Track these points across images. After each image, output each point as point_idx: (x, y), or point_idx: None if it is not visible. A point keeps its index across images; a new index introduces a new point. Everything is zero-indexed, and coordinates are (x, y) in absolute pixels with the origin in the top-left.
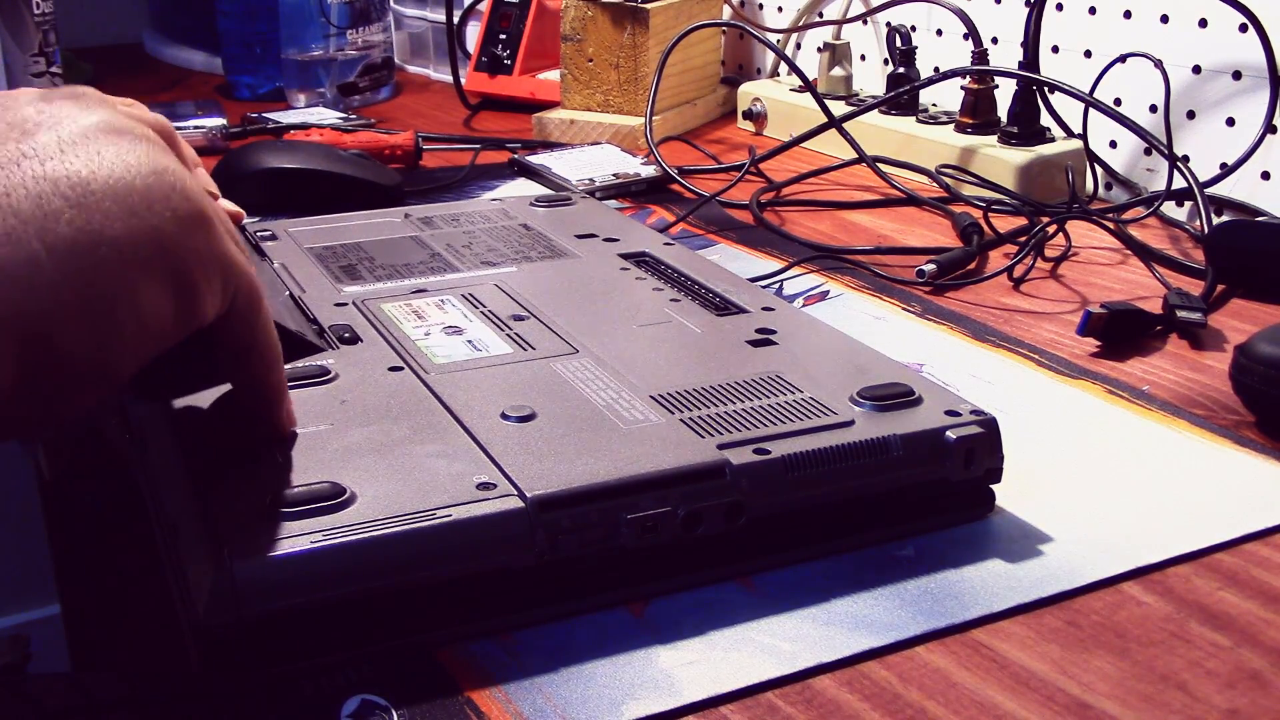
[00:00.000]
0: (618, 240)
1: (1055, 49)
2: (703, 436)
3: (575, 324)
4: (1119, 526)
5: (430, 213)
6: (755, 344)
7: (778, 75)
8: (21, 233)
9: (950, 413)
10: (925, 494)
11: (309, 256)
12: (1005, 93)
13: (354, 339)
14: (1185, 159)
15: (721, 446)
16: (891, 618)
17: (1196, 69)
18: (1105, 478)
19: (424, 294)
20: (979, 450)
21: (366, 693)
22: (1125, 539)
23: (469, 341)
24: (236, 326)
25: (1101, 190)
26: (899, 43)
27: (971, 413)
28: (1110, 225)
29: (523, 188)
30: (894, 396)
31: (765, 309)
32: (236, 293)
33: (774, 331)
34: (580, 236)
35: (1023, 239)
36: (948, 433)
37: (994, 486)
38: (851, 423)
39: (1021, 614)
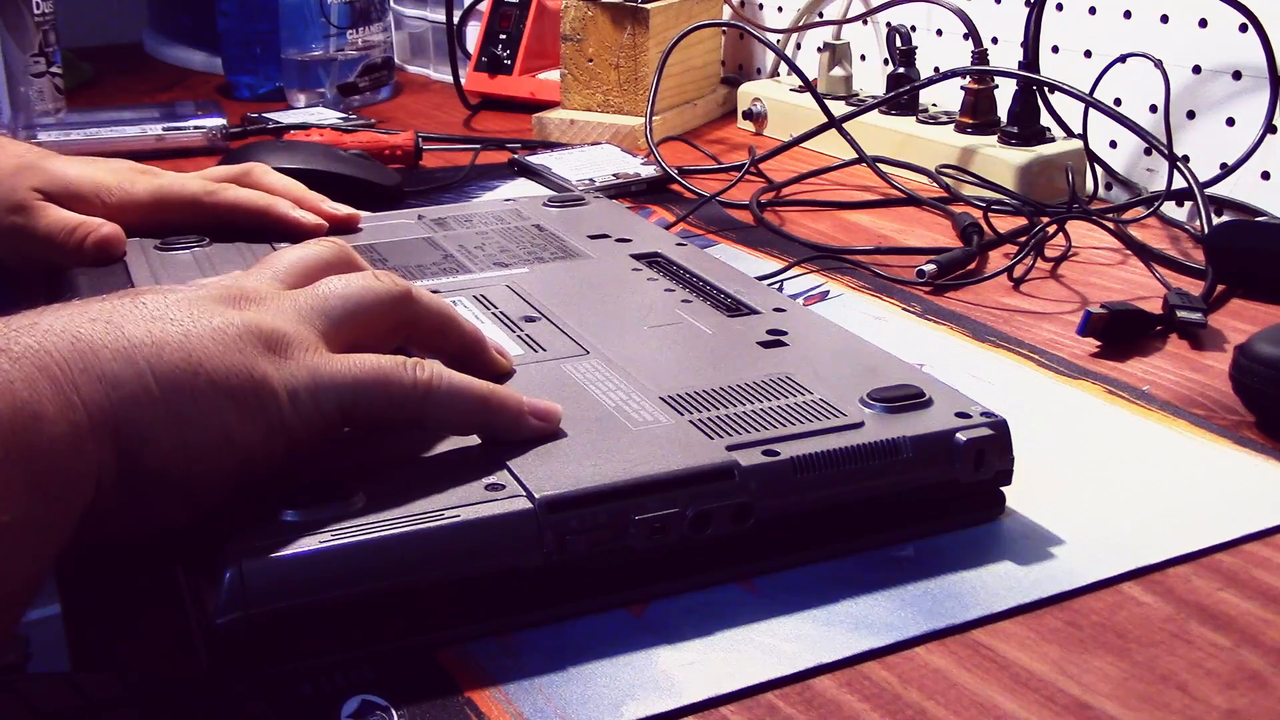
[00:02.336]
0: (630, 241)
1: (1055, 49)
2: (712, 438)
3: (586, 325)
4: (1119, 527)
5: (443, 214)
6: (766, 345)
7: (778, 75)
8: (133, 353)
9: (960, 414)
10: (935, 496)
11: None
12: (1005, 93)
13: None
14: (1185, 159)
15: (731, 448)
16: (891, 618)
17: (1196, 69)
18: (1105, 478)
19: (436, 295)
20: (989, 452)
21: (366, 693)
22: (1125, 539)
23: None
24: (381, 416)
25: (1101, 190)
26: (899, 43)
27: (982, 414)
28: (1110, 225)
29: (523, 188)
30: (904, 398)
31: (777, 310)
32: (355, 405)
33: (785, 333)
34: (593, 237)
35: (1023, 239)
36: (958, 435)
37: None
38: (861, 424)
39: (1021, 614)
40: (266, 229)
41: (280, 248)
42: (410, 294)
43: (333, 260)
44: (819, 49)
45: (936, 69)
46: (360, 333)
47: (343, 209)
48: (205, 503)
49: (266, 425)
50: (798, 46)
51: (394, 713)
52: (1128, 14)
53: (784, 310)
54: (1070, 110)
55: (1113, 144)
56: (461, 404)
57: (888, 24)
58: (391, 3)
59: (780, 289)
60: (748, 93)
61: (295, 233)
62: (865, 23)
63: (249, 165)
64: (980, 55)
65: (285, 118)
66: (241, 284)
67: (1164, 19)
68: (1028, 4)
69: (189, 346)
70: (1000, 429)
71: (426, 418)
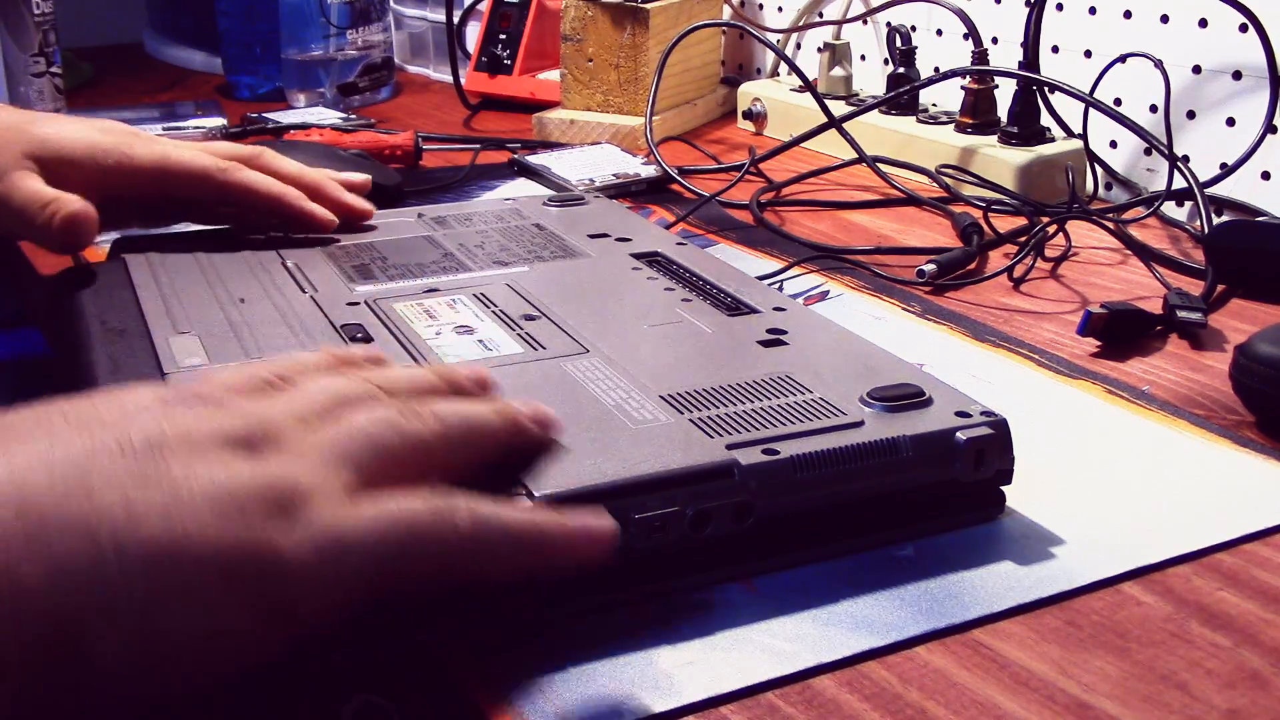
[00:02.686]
0: (630, 240)
1: (1055, 49)
2: (712, 436)
3: (586, 324)
4: (1119, 526)
5: (443, 213)
6: (766, 344)
7: (778, 75)
8: (96, 526)
9: (960, 414)
10: (935, 495)
11: (322, 256)
12: (1005, 93)
13: (366, 338)
14: (1185, 159)
15: (730, 447)
16: (891, 618)
17: (1196, 69)
18: (1105, 478)
19: (436, 294)
20: (989, 451)
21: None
22: (1125, 539)
23: (480, 341)
24: (416, 576)
25: (1101, 190)
26: (899, 43)
27: (982, 414)
28: (1110, 225)
29: (523, 188)
30: (904, 397)
31: (777, 309)
32: (383, 566)
33: (785, 332)
34: (593, 236)
35: (1023, 239)
36: (958, 434)
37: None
38: (861, 423)
39: (1021, 614)
40: (276, 217)
41: (286, 255)
42: (443, 433)
43: (353, 395)
44: (819, 49)
45: (936, 69)
46: (386, 478)
47: (359, 203)
48: (166, 700)
49: (267, 608)
50: (798, 46)
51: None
52: (1128, 14)
53: (784, 309)
54: (1070, 110)
55: (1113, 144)
56: (516, 546)
57: (888, 24)
58: (391, 3)
59: (780, 289)
60: (748, 93)
61: (307, 225)
62: (865, 23)
63: (260, 149)
64: (980, 55)
65: (285, 118)
66: (264, 418)
67: (1164, 19)
68: (1028, 4)
69: (175, 516)
70: (1000, 428)
71: (475, 570)
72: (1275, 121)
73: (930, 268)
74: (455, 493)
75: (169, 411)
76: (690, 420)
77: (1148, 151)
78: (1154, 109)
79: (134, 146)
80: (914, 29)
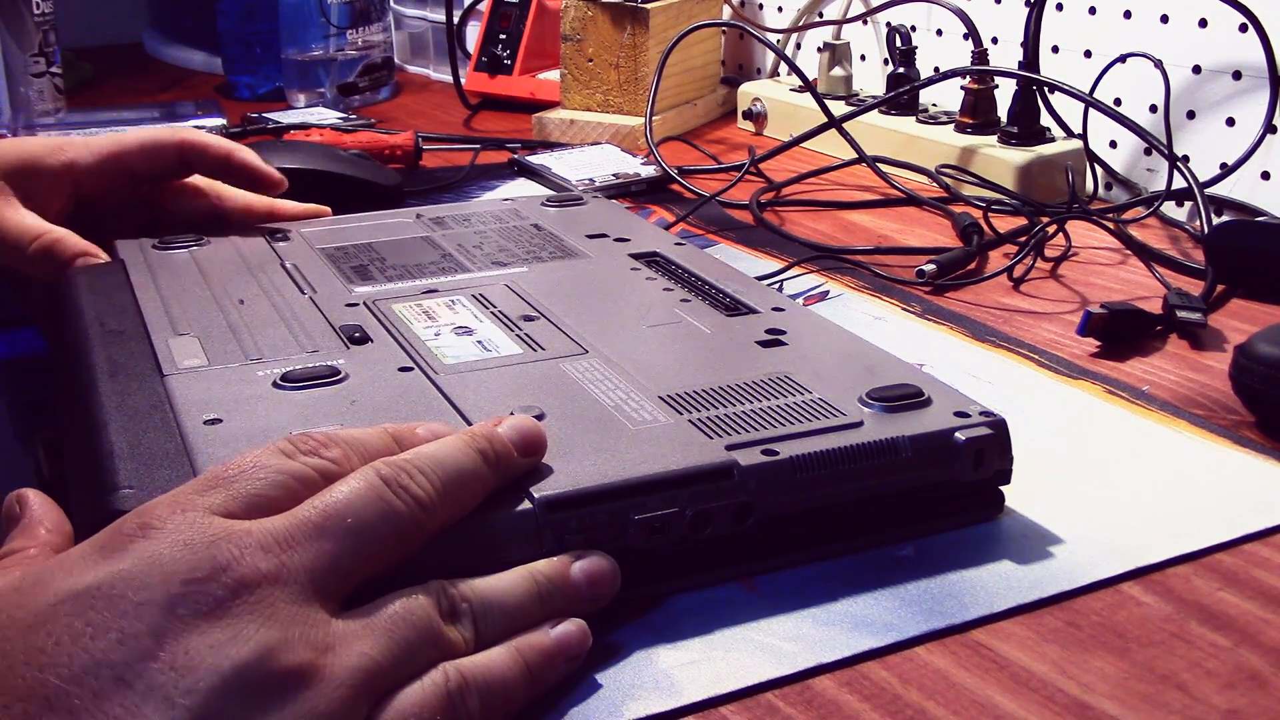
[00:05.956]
0: (629, 240)
1: (1055, 49)
2: (711, 437)
3: (585, 324)
4: (1118, 527)
5: (442, 213)
6: (765, 345)
7: (778, 75)
8: None
9: (959, 414)
10: (934, 495)
11: (321, 257)
12: (1005, 93)
13: (364, 339)
14: (1185, 159)
15: (730, 447)
16: (891, 618)
17: (1196, 69)
18: (1105, 478)
19: (435, 294)
20: (988, 451)
21: None
22: (1125, 539)
23: (479, 342)
24: None
25: (1101, 190)
26: (899, 43)
27: (981, 414)
28: (1110, 225)
29: (523, 188)
30: (903, 398)
31: (775, 309)
32: None
33: (784, 332)
34: (591, 236)
35: (1023, 239)
36: (956, 434)
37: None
38: (860, 424)
39: (1021, 614)
40: (229, 172)
41: (277, 247)
42: (435, 511)
43: (315, 476)
44: (819, 49)
45: (936, 69)
46: (373, 571)
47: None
48: None
49: None
50: (798, 46)
51: None
52: (1128, 14)
53: (783, 310)
54: (1070, 110)
55: (1113, 144)
56: (518, 700)
57: (888, 24)
58: (391, 3)
59: (780, 289)
60: (748, 93)
61: (256, 176)
62: (865, 23)
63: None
64: (980, 55)
65: (285, 118)
66: (246, 565)
67: (1164, 19)
68: (1028, 4)
69: None
70: (999, 428)
71: None
72: (1275, 121)
73: (930, 268)
74: (449, 651)
75: (185, 646)
76: (689, 421)
77: (1148, 151)
78: (1154, 109)
79: (89, 140)
80: (914, 29)
